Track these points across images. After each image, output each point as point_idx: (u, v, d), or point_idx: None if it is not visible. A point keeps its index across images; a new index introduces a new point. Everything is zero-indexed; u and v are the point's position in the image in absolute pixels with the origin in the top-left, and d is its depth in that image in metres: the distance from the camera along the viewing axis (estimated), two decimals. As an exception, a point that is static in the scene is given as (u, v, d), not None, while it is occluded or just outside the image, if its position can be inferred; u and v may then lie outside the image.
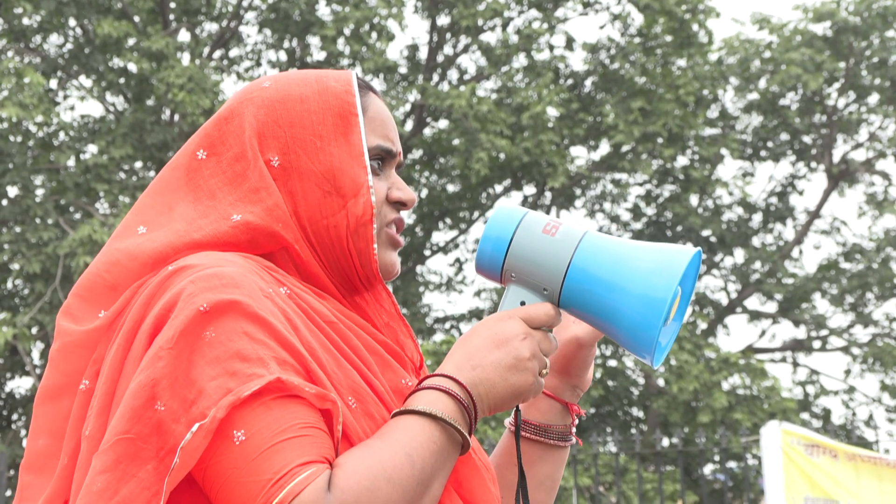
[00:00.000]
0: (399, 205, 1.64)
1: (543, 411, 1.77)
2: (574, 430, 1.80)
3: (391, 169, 1.65)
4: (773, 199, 22.44)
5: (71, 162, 15.80)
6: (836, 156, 21.31)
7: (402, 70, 20.40)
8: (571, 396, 1.78)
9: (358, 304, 1.63)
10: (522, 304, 1.57)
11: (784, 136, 21.90)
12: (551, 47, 20.12)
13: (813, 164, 22.03)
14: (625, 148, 19.38)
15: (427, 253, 22.00)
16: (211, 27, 19.75)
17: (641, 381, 20.29)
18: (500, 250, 1.56)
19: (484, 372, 1.46)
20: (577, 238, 1.54)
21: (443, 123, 20.12)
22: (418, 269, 21.88)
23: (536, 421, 1.77)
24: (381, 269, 1.60)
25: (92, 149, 16.83)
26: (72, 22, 17.88)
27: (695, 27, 19.18)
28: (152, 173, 17.56)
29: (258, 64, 20.44)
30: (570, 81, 20.50)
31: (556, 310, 1.55)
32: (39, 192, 15.87)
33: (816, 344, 21.59)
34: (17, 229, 15.17)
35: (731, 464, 17.24)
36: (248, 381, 1.32)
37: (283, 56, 20.22)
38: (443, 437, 1.39)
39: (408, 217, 21.61)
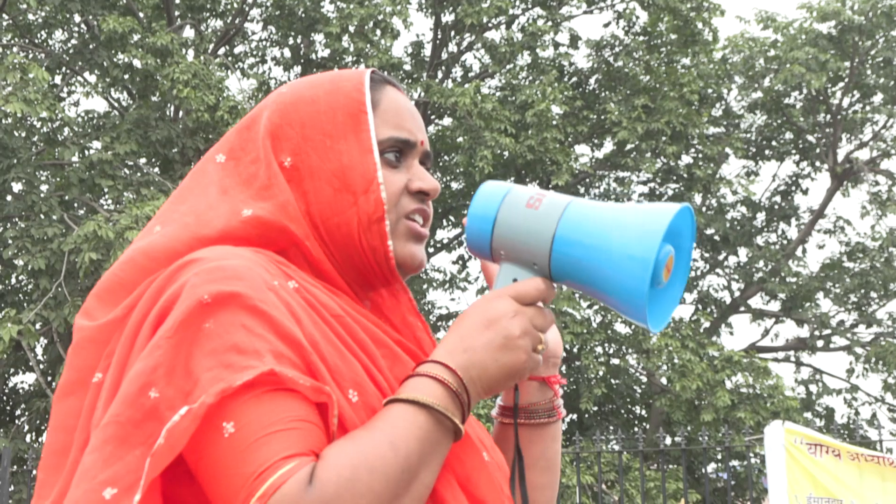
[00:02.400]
0: (422, 195, 1.62)
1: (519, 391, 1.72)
2: (560, 401, 1.75)
3: (413, 159, 1.64)
4: (777, 198, 22.45)
5: (75, 158, 15.80)
6: (840, 155, 21.31)
7: (407, 67, 20.40)
8: (545, 369, 1.72)
9: (374, 301, 1.63)
10: (514, 280, 1.54)
11: (788, 135, 21.90)
12: (556, 45, 20.13)
13: (817, 164, 22.03)
14: (628, 146, 19.38)
15: (431, 250, 22.01)
16: (216, 23, 19.77)
17: (644, 379, 20.30)
18: (486, 229, 1.54)
19: (475, 354, 1.44)
20: (560, 208, 1.51)
21: (447, 121, 20.14)
22: (422, 266, 21.87)
23: (510, 403, 1.73)
24: (399, 262, 1.59)
25: (96, 145, 16.84)
26: (76, 18, 17.91)
27: (699, 25, 19.18)
28: (157, 169, 17.58)
29: (263, 61, 20.46)
30: (574, 79, 20.50)
31: (548, 283, 1.52)
32: (44, 187, 15.87)
33: (820, 343, 21.59)
34: (22, 225, 15.17)
35: (734, 462, 17.24)
36: (241, 373, 1.31)
37: (287, 53, 20.25)
38: (429, 423, 1.37)
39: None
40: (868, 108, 21.08)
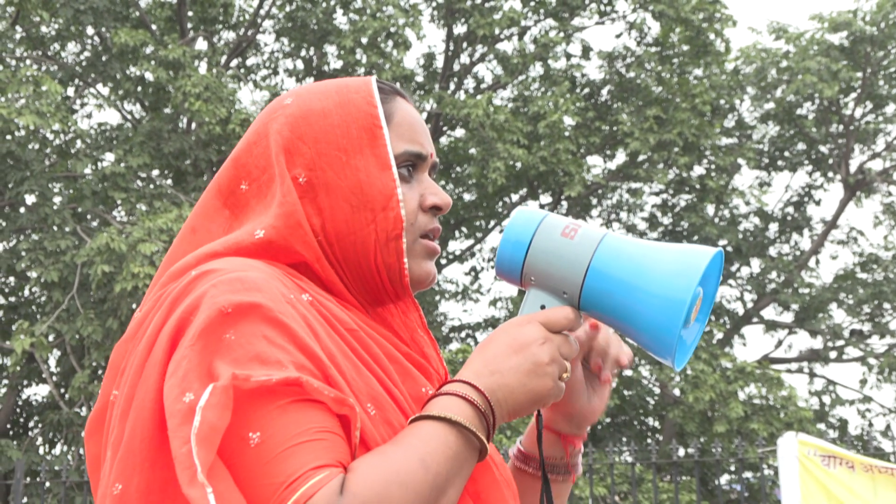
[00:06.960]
0: (435, 210, 1.62)
1: (535, 441, 1.72)
2: (577, 461, 1.76)
3: (423, 173, 1.63)
4: (790, 209, 22.39)
5: (88, 170, 15.84)
6: (853, 165, 21.26)
7: (419, 79, 20.43)
8: (567, 427, 1.74)
9: (382, 316, 1.63)
10: (542, 307, 1.55)
11: (801, 146, 21.85)
12: (568, 56, 20.14)
13: (830, 174, 21.97)
14: (641, 157, 19.36)
15: (443, 262, 22.00)
16: (228, 36, 19.81)
17: (657, 390, 20.25)
18: (519, 254, 1.55)
19: (503, 377, 1.45)
20: (595, 241, 1.53)
21: (459, 132, 20.14)
22: (434, 277, 21.87)
23: (528, 451, 1.75)
24: (413, 280, 1.59)
25: (109, 157, 16.88)
26: (89, 30, 17.96)
27: (711, 36, 19.16)
28: (170, 181, 17.61)
29: (275, 73, 20.50)
30: (586, 90, 20.50)
31: (576, 313, 1.53)
32: (57, 199, 15.92)
33: (833, 354, 21.50)
34: (35, 237, 15.21)
35: (748, 474, 17.19)
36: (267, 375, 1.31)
37: (300, 65, 20.28)
38: (459, 442, 1.38)
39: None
40: (881, 118, 21.03)
